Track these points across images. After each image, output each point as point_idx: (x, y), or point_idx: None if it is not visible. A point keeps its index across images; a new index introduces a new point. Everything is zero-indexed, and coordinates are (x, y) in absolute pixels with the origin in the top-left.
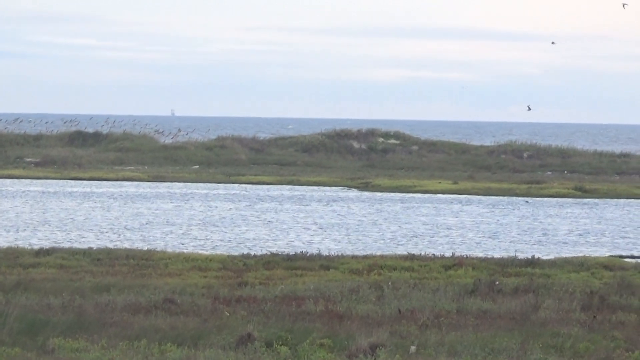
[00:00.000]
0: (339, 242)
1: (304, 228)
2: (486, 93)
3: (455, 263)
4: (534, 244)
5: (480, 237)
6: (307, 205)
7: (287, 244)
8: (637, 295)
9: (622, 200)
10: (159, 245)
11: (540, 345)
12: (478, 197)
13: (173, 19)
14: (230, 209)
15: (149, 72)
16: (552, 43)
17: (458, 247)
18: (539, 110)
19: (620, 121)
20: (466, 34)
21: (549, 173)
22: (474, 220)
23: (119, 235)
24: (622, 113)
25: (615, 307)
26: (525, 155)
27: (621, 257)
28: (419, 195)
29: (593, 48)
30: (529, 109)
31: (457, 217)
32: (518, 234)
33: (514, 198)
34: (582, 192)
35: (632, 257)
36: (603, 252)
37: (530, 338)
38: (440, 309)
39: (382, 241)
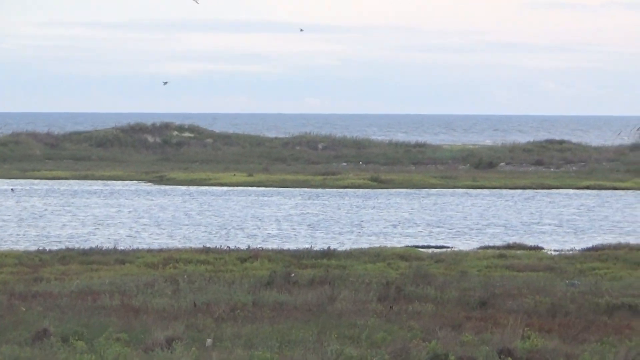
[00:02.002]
0: (159, 235)
1: (120, 223)
2: (282, 85)
3: (251, 255)
4: (338, 234)
5: (278, 229)
6: (113, 200)
7: (108, 239)
8: (433, 285)
9: (417, 190)
10: None
11: (337, 336)
12: (274, 189)
13: None
14: (40, 204)
15: None
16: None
17: (265, 239)
18: (336, 102)
19: (418, 111)
20: (262, 26)
21: (344, 164)
22: (275, 213)
23: None
24: (419, 103)
25: (411, 298)
26: (320, 146)
27: (417, 247)
28: (215, 188)
29: (390, 39)
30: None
31: (263, 209)
32: (306, 226)
33: (310, 190)
34: (378, 183)
35: (428, 247)
36: (400, 242)
37: (326, 329)
38: (236, 301)
39: (204, 233)
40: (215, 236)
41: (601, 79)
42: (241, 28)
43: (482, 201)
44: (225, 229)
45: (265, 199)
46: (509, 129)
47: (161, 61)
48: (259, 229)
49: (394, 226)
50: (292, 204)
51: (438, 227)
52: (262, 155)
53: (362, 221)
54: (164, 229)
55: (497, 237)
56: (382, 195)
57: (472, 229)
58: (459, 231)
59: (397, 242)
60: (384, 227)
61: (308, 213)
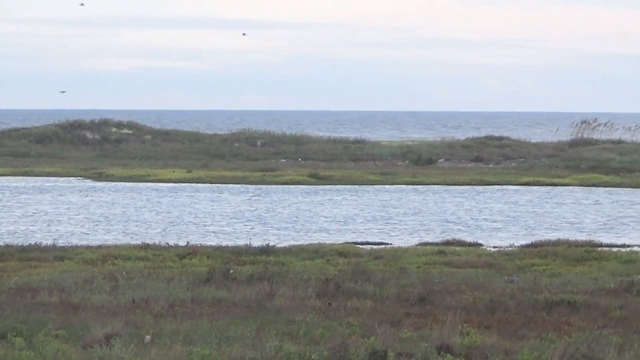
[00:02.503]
0: (98, 231)
1: (59, 219)
2: (222, 82)
3: (190, 252)
4: (279, 230)
5: (217, 226)
6: (52, 196)
7: (47, 235)
8: (372, 282)
9: (355, 187)
10: None
11: (275, 333)
12: (214, 185)
13: None
14: None
15: None
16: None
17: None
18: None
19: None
20: (202, 22)
21: (283, 160)
22: (214, 208)
23: None
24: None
25: (350, 294)
26: (259, 143)
27: (356, 243)
28: (154, 184)
29: (331, 35)
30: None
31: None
32: (247, 221)
33: (248, 186)
34: (317, 179)
35: (367, 243)
36: (339, 239)
37: (265, 325)
38: (175, 298)
39: (143, 229)
40: (154, 232)
41: (541, 75)
42: (181, 24)
43: (421, 197)
44: (165, 225)
45: (205, 195)
46: (448, 126)
47: (101, 57)
48: (198, 225)
49: (333, 223)
50: (232, 200)
51: (377, 223)
52: (201, 151)
53: (301, 217)
54: (102, 226)
55: (436, 234)
56: (322, 192)
57: (411, 226)
58: (397, 228)
59: (336, 238)
60: (323, 224)
61: (247, 209)
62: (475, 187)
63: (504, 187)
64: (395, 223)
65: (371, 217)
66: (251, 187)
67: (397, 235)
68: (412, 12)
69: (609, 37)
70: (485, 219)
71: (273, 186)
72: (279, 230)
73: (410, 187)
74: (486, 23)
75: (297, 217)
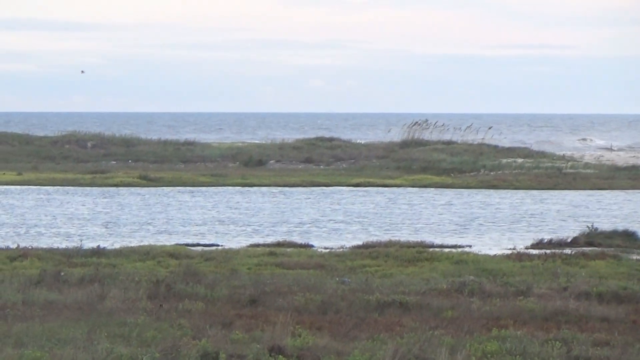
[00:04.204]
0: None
1: None
2: (49, 84)
3: (21, 254)
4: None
5: (47, 228)
6: None
7: None
8: (203, 283)
9: (187, 188)
10: None
11: (107, 335)
12: (46, 187)
13: None
14: None
15: None
16: (82, 72)
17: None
18: (103, 100)
19: (187, 109)
20: (25, 24)
21: (114, 162)
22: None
23: None
24: (187, 101)
25: (181, 295)
26: (89, 145)
27: (187, 245)
28: None
29: (156, 37)
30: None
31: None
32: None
33: (79, 188)
34: (147, 181)
35: (198, 245)
36: (170, 240)
37: (96, 327)
38: (5, 300)
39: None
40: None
41: (368, 76)
42: (5, 25)
43: (251, 199)
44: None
45: (35, 197)
46: (277, 127)
47: None
48: (29, 227)
49: (165, 224)
50: (63, 202)
51: (208, 225)
52: (32, 154)
53: (133, 220)
54: None
55: (268, 235)
56: (154, 194)
57: (241, 227)
58: (228, 229)
59: (167, 240)
60: (154, 225)
61: (77, 211)
62: (306, 188)
63: (335, 188)
64: (225, 225)
65: (202, 220)
66: (80, 189)
67: (228, 237)
68: (235, 14)
69: (435, 39)
70: (316, 221)
71: (104, 188)
72: (111, 233)
73: (240, 188)
74: (310, 24)
75: (129, 219)
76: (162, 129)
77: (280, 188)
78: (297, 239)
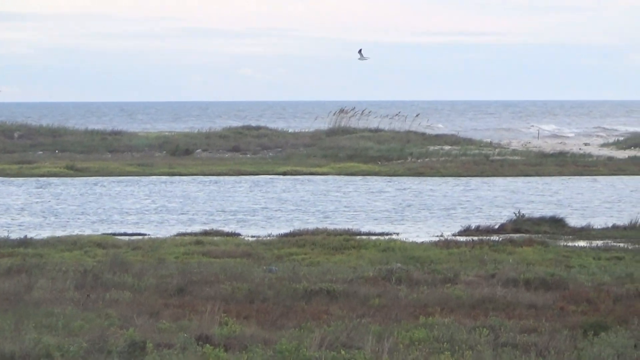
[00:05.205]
0: None
1: None
2: None
3: None
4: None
5: None
6: None
7: None
8: (131, 273)
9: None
10: None
11: (34, 325)
12: None
13: None
14: None
15: None
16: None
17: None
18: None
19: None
20: None
21: (40, 153)
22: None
23: None
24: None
25: (108, 285)
26: (16, 135)
27: (114, 234)
28: None
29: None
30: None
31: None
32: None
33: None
34: (74, 171)
35: (125, 234)
36: (97, 230)
37: (24, 318)
38: None
39: None
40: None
41: (297, 65)
42: None
43: (184, 188)
44: None
45: None
46: (205, 115)
47: None
48: None
49: (93, 215)
50: None
51: (142, 214)
52: None
53: (59, 210)
54: None
55: (194, 224)
56: (80, 184)
57: (168, 216)
58: (154, 218)
59: (94, 229)
60: (82, 215)
61: (10, 201)
62: (233, 177)
63: (262, 177)
64: (151, 214)
65: (129, 209)
66: (7, 179)
67: (155, 226)
68: (164, 3)
69: (367, 26)
70: (243, 209)
71: (30, 179)
72: (39, 222)
73: (167, 177)
74: (240, 13)
75: (54, 209)
76: (88, 118)
77: (208, 177)
78: (234, 227)
